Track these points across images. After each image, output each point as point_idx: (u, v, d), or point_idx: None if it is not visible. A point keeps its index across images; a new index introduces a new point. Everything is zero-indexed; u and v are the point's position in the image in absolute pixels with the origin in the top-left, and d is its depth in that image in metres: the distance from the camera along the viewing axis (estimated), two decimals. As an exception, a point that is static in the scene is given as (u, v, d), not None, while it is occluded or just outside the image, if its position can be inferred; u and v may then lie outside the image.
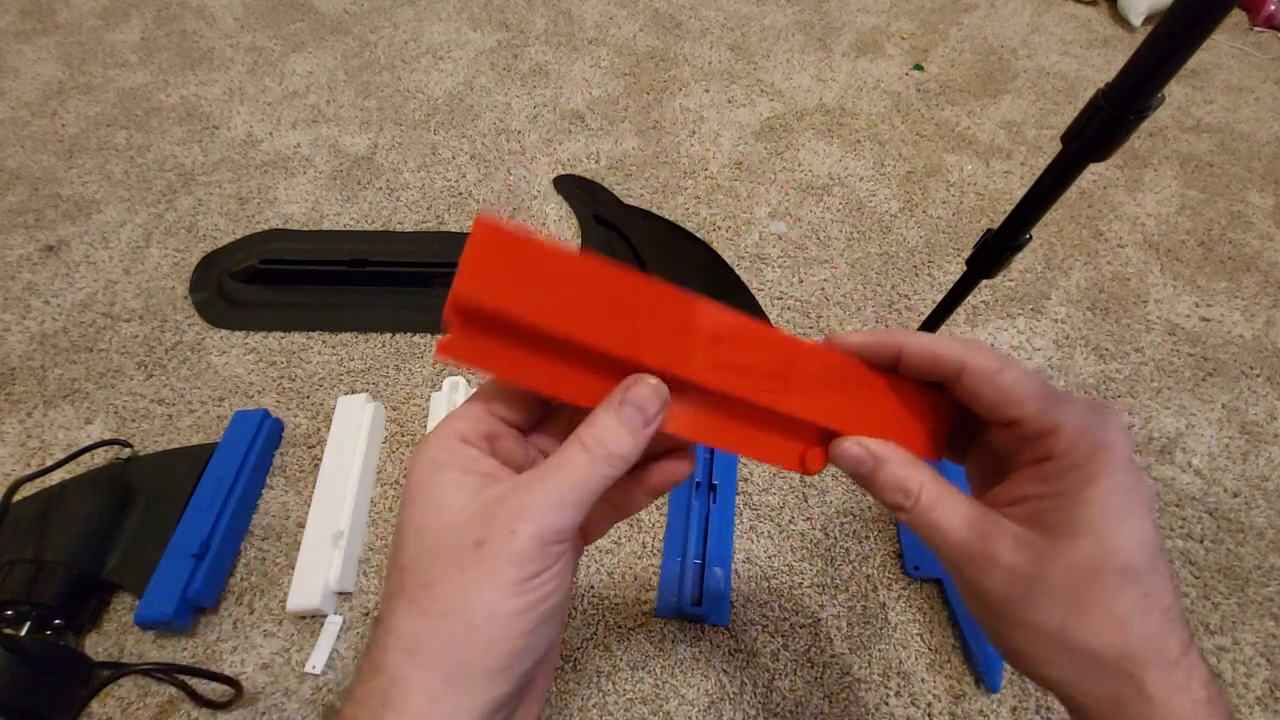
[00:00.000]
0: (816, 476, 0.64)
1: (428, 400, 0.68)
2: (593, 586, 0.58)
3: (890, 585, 0.59)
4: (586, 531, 0.28)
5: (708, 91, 1.01)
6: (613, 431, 0.22)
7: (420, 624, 0.21)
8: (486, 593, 0.21)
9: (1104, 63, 1.06)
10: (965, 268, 0.51)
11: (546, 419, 0.27)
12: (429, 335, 0.73)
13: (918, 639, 0.56)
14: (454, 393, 0.67)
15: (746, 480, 0.64)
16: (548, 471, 0.22)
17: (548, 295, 0.21)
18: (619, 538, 0.61)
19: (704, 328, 0.23)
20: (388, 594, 0.22)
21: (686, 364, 0.23)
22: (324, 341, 0.73)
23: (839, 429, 0.26)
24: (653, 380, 0.23)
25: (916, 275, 0.79)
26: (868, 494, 0.26)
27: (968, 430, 0.28)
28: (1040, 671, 0.23)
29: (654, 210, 0.85)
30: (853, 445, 0.26)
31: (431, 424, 0.66)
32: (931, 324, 0.58)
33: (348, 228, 0.83)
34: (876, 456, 0.25)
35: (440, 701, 0.20)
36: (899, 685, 0.54)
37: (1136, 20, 1.10)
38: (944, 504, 0.24)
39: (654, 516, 0.62)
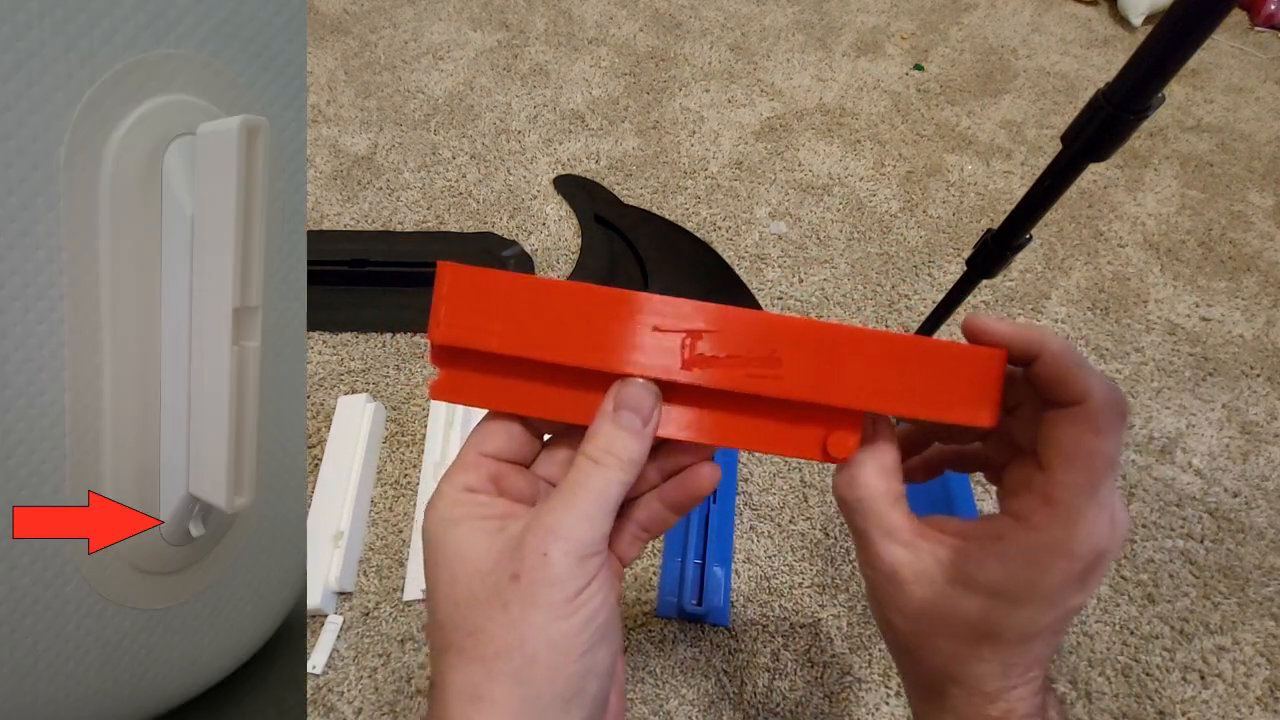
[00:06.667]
0: (816, 476, 0.64)
1: (428, 400, 0.68)
2: (593, 586, 0.58)
3: (890, 585, 0.59)
4: (620, 553, 0.27)
5: (708, 91, 1.01)
6: (616, 439, 0.22)
7: (478, 671, 0.20)
8: (537, 620, 0.20)
9: (1104, 63, 1.06)
10: (965, 268, 0.51)
11: (546, 447, 0.26)
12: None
13: (918, 639, 0.56)
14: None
15: (746, 480, 0.64)
16: (564, 491, 0.22)
17: (519, 324, 0.22)
18: (619, 538, 0.61)
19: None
20: (434, 654, 0.22)
21: (669, 366, 0.22)
22: (324, 341, 0.73)
23: (856, 405, 0.23)
24: (639, 380, 0.23)
25: (916, 275, 0.79)
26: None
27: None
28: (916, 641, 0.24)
29: (654, 210, 0.85)
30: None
31: (432, 424, 0.66)
32: (931, 324, 0.58)
33: (348, 228, 0.83)
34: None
35: None
36: (899, 685, 0.54)
37: (1136, 20, 1.10)
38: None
39: (654, 516, 0.62)
